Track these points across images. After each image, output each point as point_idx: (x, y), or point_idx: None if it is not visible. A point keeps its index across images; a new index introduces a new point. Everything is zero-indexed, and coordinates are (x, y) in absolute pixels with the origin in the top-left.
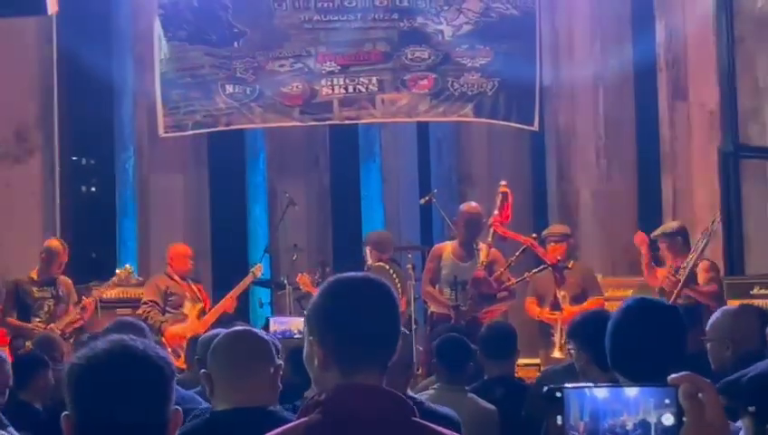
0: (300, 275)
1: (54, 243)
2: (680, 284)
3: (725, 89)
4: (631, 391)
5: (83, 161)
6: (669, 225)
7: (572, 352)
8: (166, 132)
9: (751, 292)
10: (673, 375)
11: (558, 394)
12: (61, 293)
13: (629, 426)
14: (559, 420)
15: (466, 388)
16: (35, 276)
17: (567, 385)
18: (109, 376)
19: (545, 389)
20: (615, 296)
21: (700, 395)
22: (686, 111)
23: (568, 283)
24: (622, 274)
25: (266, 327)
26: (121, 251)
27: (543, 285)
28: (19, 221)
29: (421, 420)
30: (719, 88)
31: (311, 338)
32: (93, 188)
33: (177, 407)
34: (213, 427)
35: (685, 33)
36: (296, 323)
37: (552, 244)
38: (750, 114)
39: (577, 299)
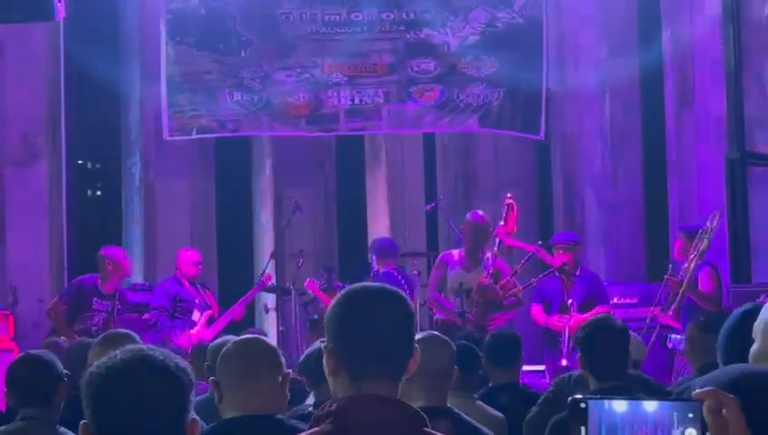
0: (308, 279)
1: (117, 252)
2: (684, 285)
3: (732, 96)
4: (652, 405)
5: (90, 166)
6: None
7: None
8: (170, 136)
9: (757, 300)
10: (698, 390)
11: (582, 405)
12: (116, 310)
13: None
14: (583, 432)
15: (474, 395)
16: (100, 287)
17: (591, 397)
18: (127, 386)
19: (570, 399)
20: (621, 304)
21: (724, 411)
22: (692, 117)
23: (575, 291)
24: (628, 280)
25: None
26: (127, 256)
27: (550, 292)
28: (26, 225)
29: (432, 431)
30: (726, 95)
31: (325, 345)
32: (99, 193)
33: (194, 417)
34: (221, 434)
35: (691, 39)
36: None
37: (560, 251)
38: (757, 121)
39: (584, 307)
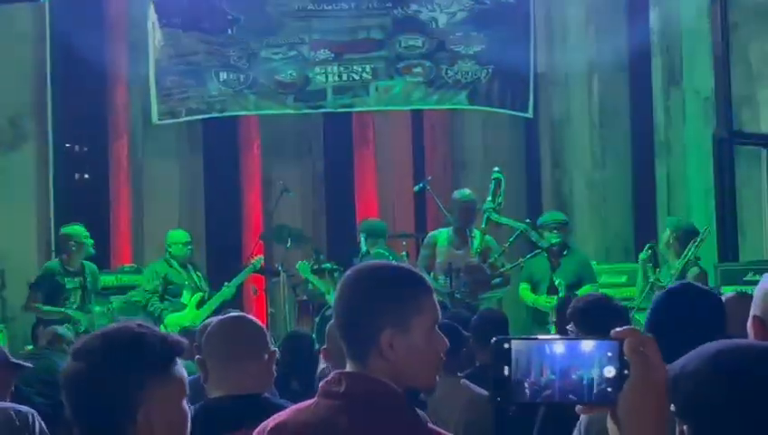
0: (300, 261)
1: (80, 229)
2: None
3: (720, 75)
4: (574, 344)
5: (77, 148)
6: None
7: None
8: (159, 119)
9: (744, 278)
10: (617, 329)
11: (506, 345)
12: (88, 283)
13: (573, 376)
14: (506, 370)
15: (459, 374)
16: (67, 265)
17: (515, 337)
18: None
19: (493, 340)
20: (609, 283)
21: (645, 351)
22: (680, 97)
23: (563, 270)
24: (616, 260)
25: None
26: (115, 239)
27: (538, 271)
28: (13, 208)
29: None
30: (713, 74)
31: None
32: (87, 176)
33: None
34: (207, 413)
35: (679, 19)
36: None
37: (549, 231)
38: (744, 100)
39: (573, 287)
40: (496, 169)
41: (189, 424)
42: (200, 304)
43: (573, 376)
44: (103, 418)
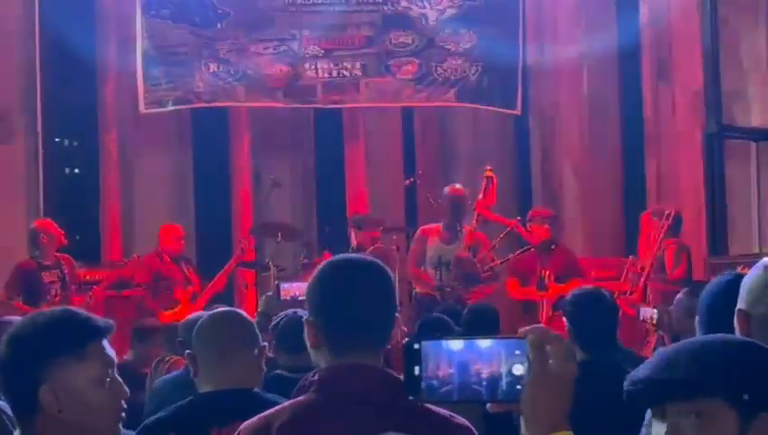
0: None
1: (49, 223)
2: (642, 280)
3: (709, 70)
4: (484, 343)
5: (66, 143)
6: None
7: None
8: (146, 108)
9: (734, 272)
10: (524, 328)
11: (416, 346)
12: (66, 275)
13: (484, 375)
14: (416, 370)
15: None
16: (41, 260)
17: (426, 338)
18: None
19: (405, 341)
20: (598, 277)
21: (548, 347)
22: (670, 92)
23: (552, 263)
24: (605, 255)
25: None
26: (106, 233)
27: (525, 265)
28: (2, 203)
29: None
30: (703, 69)
31: (306, 317)
32: (77, 170)
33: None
34: (197, 408)
35: (669, 13)
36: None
37: (536, 225)
38: (734, 95)
39: (560, 280)
40: (489, 168)
41: (119, 408)
42: (193, 298)
43: (473, 374)
44: (13, 395)
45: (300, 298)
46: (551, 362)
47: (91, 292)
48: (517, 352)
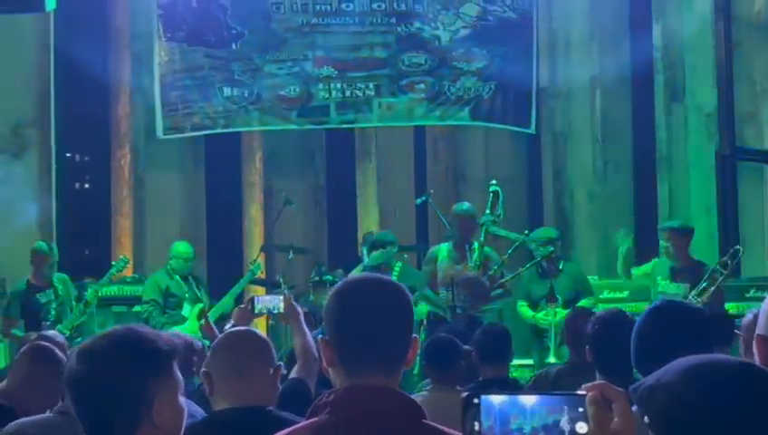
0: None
1: (41, 246)
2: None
3: (723, 91)
4: (547, 399)
5: (79, 158)
6: (681, 223)
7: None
8: (165, 134)
9: (746, 295)
10: (587, 384)
11: (475, 400)
12: (60, 293)
13: (545, 433)
14: (476, 425)
15: (459, 388)
16: (35, 281)
17: (485, 391)
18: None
19: (464, 394)
20: (610, 298)
21: (614, 405)
22: (682, 113)
23: (560, 285)
24: (617, 275)
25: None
26: (116, 249)
27: (535, 289)
28: (14, 218)
29: (431, 423)
30: (716, 91)
31: (322, 337)
32: (88, 186)
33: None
34: (212, 426)
35: (682, 35)
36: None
37: (541, 247)
38: (747, 117)
39: (569, 301)
40: (494, 181)
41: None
42: (200, 315)
43: (541, 432)
44: (117, 417)
45: (273, 311)
46: (615, 420)
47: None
48: (580, 409)
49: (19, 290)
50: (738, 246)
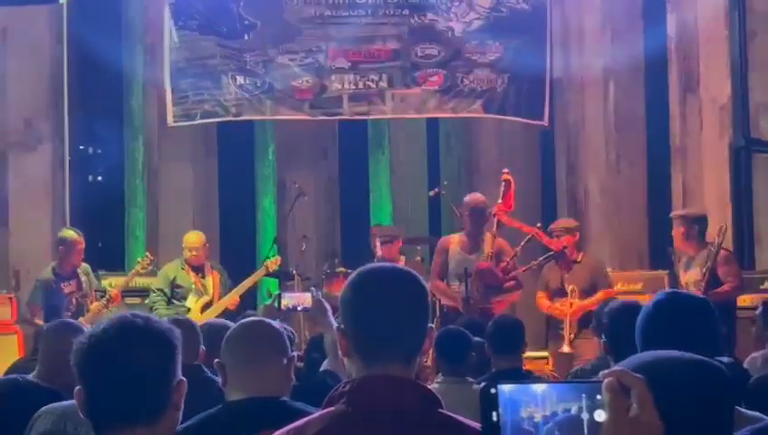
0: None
1: (71, 233)
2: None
3: (737, 83)
4: (566, 387)
5: (92, 150)
6: (691, 210)
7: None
8: (175, 121)
9: (761, 286)
10: (605, 371)
11: (493, 391)
12: (84, 284)
13: (564, 421)
14: (494, 416)
15: (471, 380)
16: (59, 271)
17: (502, 382)
18: (110, 351)
19: (482, 385)
20: (623, 291)
21: (632, 392)
22: (696, 105)
23: (577, 276)
24: (631, 268)
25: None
26: (129, 241)
27: (553, 279)
28: (29, 210)
29: (447, 412)
30: (731, 82)
31: (339, 326)
32: (101, 178)
33: (182, 378)
34: (226, 416)
35: (696, 26)
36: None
37: (559, 236)
38: (761, 109)
39: (586, 293)
40: (505, 170)
41: None
42: (204, 308)
43: (559, 420)
44: (147, 401)
45: (299, 308)
46: (633, 407)
47: (109, 296)
48: (599, 397)
49: (46, 279)
50: (723, 224)
